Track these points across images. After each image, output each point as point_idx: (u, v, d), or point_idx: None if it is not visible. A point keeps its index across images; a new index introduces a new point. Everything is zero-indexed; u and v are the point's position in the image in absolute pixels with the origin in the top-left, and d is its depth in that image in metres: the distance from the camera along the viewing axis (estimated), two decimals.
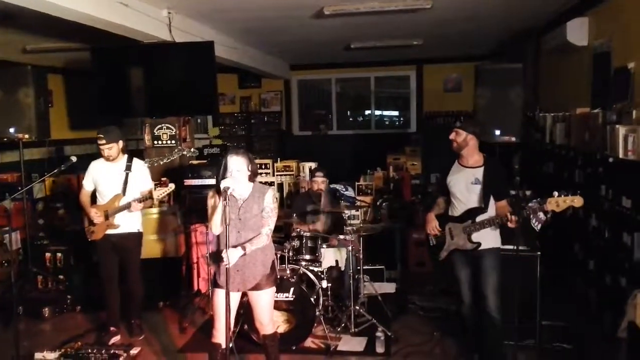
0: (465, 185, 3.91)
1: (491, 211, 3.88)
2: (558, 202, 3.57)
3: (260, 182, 3.81)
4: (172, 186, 4.76)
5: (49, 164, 9.19)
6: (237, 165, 3.50)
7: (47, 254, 6.03)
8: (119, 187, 4.71)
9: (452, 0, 6.07)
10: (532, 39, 7.82)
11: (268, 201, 3.61)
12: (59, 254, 6.02)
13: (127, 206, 4.63)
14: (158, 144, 6.49)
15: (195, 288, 5.95)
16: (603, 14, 5.64)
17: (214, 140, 11.25)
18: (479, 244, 3.87)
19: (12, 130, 5.39)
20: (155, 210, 5.92)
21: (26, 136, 5.44)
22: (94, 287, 5.34)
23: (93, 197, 4.89)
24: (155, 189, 4.66)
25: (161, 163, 6.43)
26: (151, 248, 5.82)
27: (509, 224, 3.74)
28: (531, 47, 7.90)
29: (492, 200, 3.88)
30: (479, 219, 3.87)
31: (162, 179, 6.13)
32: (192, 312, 5.35)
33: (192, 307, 5.44)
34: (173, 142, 6.48)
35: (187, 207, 6.03)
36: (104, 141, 4.64)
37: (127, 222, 4.76)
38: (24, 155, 7.39)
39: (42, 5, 4.55)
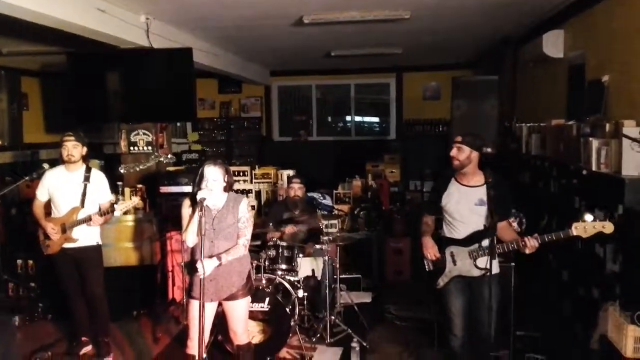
0: (467, 207, 3.61)
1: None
2: (586, 228, 3.29)
3: (235, 192, 3.78)
4: (135, 200, 4.61)
5: (23, 168, 9.07)
6: (213, 175, 3.48)
7: (19, 261, 5.91)
8: (77, 199, 4.47)
9: (430, 11, 6.11)
10: (510, 49, 7.92)
11: (243, 211, 3.59)
12: (30, 261, 5.90)
13: (87, 219, 4.41)
14: (134, 150, 6.42)
15: (170, 297, 5.88)
16: (578, 27, 5.71)
17: (193, 145, 11.16)
18: (487, 270, 3.48)
19: None
20: (130, 217, 5.84)
21: None
22: None
23: (47, 207, 4.63)
24: (117, 202, 4.47)
25: (137, 170, 6.37)
26: (126, 255, 5.75)
27: (526, 250, 3.43)
28: (509, 57, 8.00)
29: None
30: (484, 243, 3.56)
31: (138, 185, 6.12)
32: (167, 321, 5.30)
33: (167, 316, 5.39)
34: (149, 148, 6.41)
35: (163, 215, 5.97)
36: (72, 138, 4.44)
37: (85, 235, 4.52)
38: None
39: (15, 10, 4.45)
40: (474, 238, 3.60)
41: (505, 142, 6.84)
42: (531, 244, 3.42)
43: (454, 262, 3.70)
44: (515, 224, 4.21)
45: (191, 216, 3.47)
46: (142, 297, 5.70)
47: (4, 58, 8.30)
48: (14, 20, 4.68)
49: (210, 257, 3.45)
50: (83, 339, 4.78)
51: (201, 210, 3.33)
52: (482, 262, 3.56)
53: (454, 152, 3.63)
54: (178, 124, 11.65)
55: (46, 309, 5.61)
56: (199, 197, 3.37)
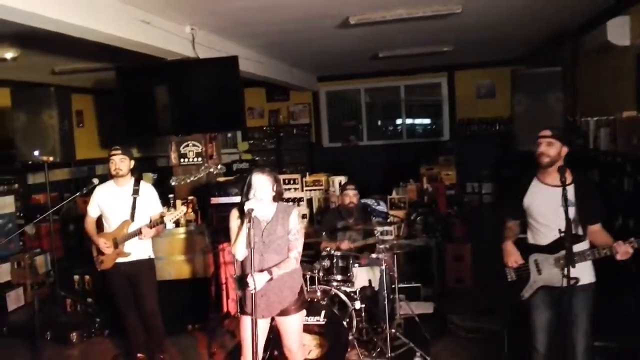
0: (553, 208, 3.20)
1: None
2: None
3: (285, 202, 3.61)
4: (183, 209, 4.51)
5: (80, 184, 9.26)
6: (261, 184, 3.32)
7: (76, 277, 5.96)
8: (127, 213, 4.43)
9: (483, 4, 5.80)
10: (569, 40, 7.48)
11: (294, 222, 3.41)
12: (87, 277, 5.94)
13: (138, 232, 4.36)
14: (184, 162, 6.37)
15: (225, 310, 5.77)
16: None
17: (244, 155, 11.18)
18: (577, 280, 3.09)
19: (36, 153, 5.33)
20: (182, 229, 5.78)
21: (50, 158, 5.38)
22: None
23: (99, 224, 4.63)
24: (168, 211, 4.39)
25: (188, 181, 6.32)
26: (179, 269, 5.69)
27: (618, 256, 3.07)
28: (568, 50, 7.55)
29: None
30: (576, 248, 3.15)
31: (189, 197, 6.06)
32: (221, 336, 5.18)
33: (221, 330, 5.27)
34: (200, 159, 6.34)
35: (214, 226, 5.88)
36: (119, 151, 4.41)
37: (138, 249, 4.46)
38: (56, 176, 7.42)
39: (63, 27, 4.46)
40: (560, 244, 3.16)
41: (571, 138, 6.43)
42: (623, 249, 3.05)
43: (539, 271, 3.37)
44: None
45: (240, 228, 3.32)
46: (196, 311, 5.61)
47: (59, 77, 8.53)
48: (63, 37, 4.69)
49: (261, 271, 3.28)
50: (139, 355, 4.71)
51: (250, 221, 3.17)
52: (572, 271, 3.12)
53: (543, 148, 3.28)
54: (229, 135, 11.73)
55: (103, 324, 5.60)
56: (246, 207, 3.22)
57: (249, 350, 3.29)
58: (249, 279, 3.17)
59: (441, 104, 11.23)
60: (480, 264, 6.20)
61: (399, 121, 11.63)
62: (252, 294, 3.17)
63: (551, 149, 3.27)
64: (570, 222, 3.10)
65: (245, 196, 3.33)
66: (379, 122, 11.87)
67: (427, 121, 11.71)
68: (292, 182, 6.94)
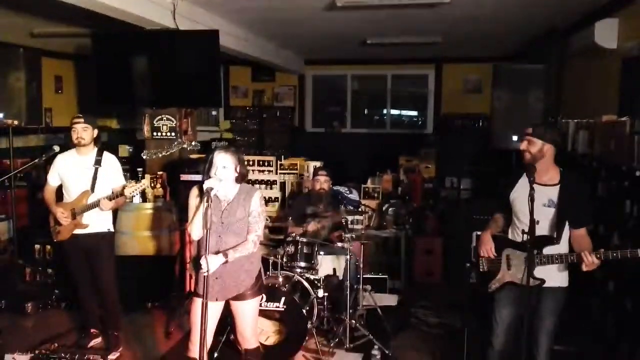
0: (535, 206, 3.13)
1: (564, 242, 3.23)
2: None
3: (250, 183, 3.49)
4: (144, 182, 4.33)
5: (60, 151, 9.03)
6: (223, 162, 3.19)
7: (37, 246, 5.80)
8: (87, 183, 4.28)
9: None
10: (558, 39, 7.38)
11: (255, 204, 3.29)
12: (48, 247, 5.79)
13: (97, 204, 4.20)
14: (157, 135, 6.21)
15: (187, 289, 5.65)
16: (635, 15, 5.21)
17: (225, 134, 11.01)
18: (543, 281, 3.15)
19: (0, 115, 5.14)
20: (149, 205, 5.65)
21: (15, 122, 5.19)
22: None
23: (60, 194, 4.48)
24: (127, 185, 4.21)
25: (160, 156, 6.17)
26: (144, 244, 5.57)
27: (583, 267, 3.03)
28: (556, 49, 7.46)
29: (566, 228, 3.21)
30: (547, 250, 3.18)
31: (159, 172, 5.92)
32: (181, 316, 5.06)
33: (181, 310, 5.15)
34: (173, 134, 6.19)
35: (183, 203, 5.73)
36: (81, 120, 4.24)
37: (97, 221, 4.33)
38: (30, 142, 7.26)
39: None
40: (535, 243, 3.14)
41: (555, 137, 6.37)
42: (589, 260, 3.01)
43: (509, 266, 3.35)
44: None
45: (198, 207, 3.20)
46: (157, 289, 5.50)
47: (40, 40, 8.26)
48: None
49: (217, 253, 3.17)
50: (92, 330, 4.61)
51: (208, 200, 3.04)
52: (540, 271, 3.16)
53: (524, 145, 3.28)
54: (214, 112, 11.55)
55: (61, 297, 5.46)
56: (205, 186, 3.09)
57: (198, 334, 3.18)
58: (202, 261, 3.05)
59: (427, 96, 11.11)
60: (451, 259, 6.14)
61: (384, 111, 11.50)
62: (204, 276, 3.05)
63: (532, 146, 3.24)
64: (534, 222, 3.02)
65: (207, 174, 3.21)
66: (366, 111, 11.73)
67: (412, 113, 11.59)
68: (266, 164, 6.80)
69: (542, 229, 3.22)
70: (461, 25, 7.19)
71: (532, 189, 3.04)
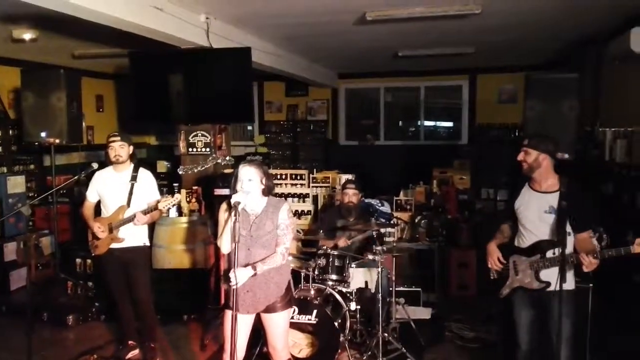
0: (537, 213, 3.41)
1: (569, 246, 3.35)
2: None
3: (280, 196, 3.54)
4: (178, 197, 4.44)
5: (99, 168, 9.32)
6: (248, 175, 3.25)
7: (78, 260, 5.98)
8: (124, 198, 4.42)
9: (504, 6, 5.64)
10: (593, 47, 7.25)
11: (283, 217, 3.34)
12: (88, 261, 5.96)
13: (132, 218, 4.33)
14: (192, 151, 6.35)
15: (222, 302, 5.72)
16: None
17: (259, 148, 11.15)
18: (548, 284, 3.37)
19: (43, 134, 5.35)
20: (184, 219, 5.77)
21: (57, 140, 5.39)
22: None
23: (98, 209, 4.64)
24: (161, 199, 4.33)
25: (195, 171, 6.30)
26: (179, 258, 5.68)
27: (584, 267, 3.22)
28: (591, 57, 7.32)
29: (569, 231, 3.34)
30: (549, 254, 3.38)
31: (194, 187, 6.04)
32: (216, 328, 5.12)
33: (216, 323, 5.22)
34: (207, 149, 6.32)
35: (217, 217, 5.83)
36: (118, 138, 4.39)
37: (133, 236, 4.45)
38: (73, 159, 7.53)
39: (78, 10, 4.44)
40: (537, 248, 3.42)
41: (585, 148, 6.23)
42: (588, 261, 3.19)
43: (516, 272, 3.53)
44: (594, 240, 3.73)
45: (227, 221, 3.26)
46: (193, 302, 5.59)
47: (81, 61, 8.59)
48: (80, 21, 4.68)
49: (246, 266, 3.22)
50: (130, 342, 4.71)
51: (235, 214, 3.10)
52: (545, 275, 3.39)
53: (520, 155, 3.48)
54: (249, 127, 11.73)
55: (101, 309, 5.61)
56: (233, 200, 3.15)
57: (229, 345, 3.23)
58: (231, 274, 3.11)
59: (461, 107, 11.02)
60: (487, 272, 6.04)
61: (417, 122, 11.45)
62: (233, 289, 3.11)
63: (528, 157, 3.43)
64: (560, 230, 3.20)
65: (233, 189, 3.28)
66: (400, 123, 11.69)
67: (446, 124, 11.51)
68: (299, 177, 6.86)
69: (544, 234, 3.40)
70: (493, 35, 7.13)
71: (563, 196, 3.24)
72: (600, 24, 6.40)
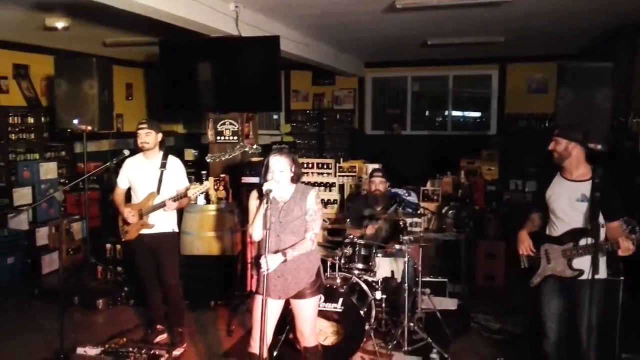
0: (568, 202, 3.42)
1: (601, 235, 3.34)
2: None
3: (304, 183, 3.56)
4: (206, 184, 4.50)
5: (129, 155, 9.47)
6: (279, 165, 3.29)
7: (108, 245, 6.09)
8: (154, 185, 4.48)
9: None
10: (626, 36, 7.06)
11: (311, 203, 3.36)
12: (118, 246, 6.07)
13: (162, 205, 4.39)
14: (220, 139, 6.39)
15: (249, 288, 5.78)
16: None
17: (285, 137, 11.17)
18: (581, 272, 3.36)
19: (75, 121, 5.45)
20: (212, 207, 5.83)
21: (89, 127, 5.49)
22: None
23: (128, 196, 4.71)
24: (190, 186, 4.39)
25: (223, 159, 6.35)
26: (208, 245, 5.75)
27: (619, 252, 3.23)
28: (625, 46, 7.13)
29: (601, 221, 3.34)
30: (582, 242, 3.37)
31: (221, 175, 6.09)
32: (242, 314, 5.19)
33: (243, 308, 5.28)
34: (235, 138, 6.36)
35: (244, 205, 5.89)
36: (145, 125, 4.46)
37: (162, 222, 4.52)
38: (103, 146, 7.66)
39: None
40: (570, 236, 3.43)
41: (619, 139, 6.09)
42: (625, 245, 3.19)
43: (548, 260, 3.52)
44: (626, 231, 3.68)
45: (258, 209, 3.29)
46: (221, 288, 5.66)
47: (111, 49, 8.68)
48: (111, 9, 4.74)
49: (276, 252, 3.25)
50: (158, 327, 4.80)
51: (267, 202, 3.14)
52: (578, 263, 3.40)
53: (551, 145, 3.49)
54: (275, 116, 11.76)
55: (130, 294, 5.72)
56: (264, 188, 3.19)
57: (258, 330, 3.27)
58: (262, 260, 3.15)
59: (490, 96, 10.87)
60: (515, 263, 5.99)
61: (445, 112, 11.34)
62: (264, 275, 3.14)
63: (558, 146, 3.45)
64: (594, 218, 3.22)
65: (264, 177, 3.31)
66: (427, 113, 11.59)
67: (474, 114, 11.37)
68: (325, 166, 6.87)
69: (577, 223, 3.40)
70: (524, 23, 7.01)
71: (595, 185, 3.25)
72: (634, 13, 6.24)
